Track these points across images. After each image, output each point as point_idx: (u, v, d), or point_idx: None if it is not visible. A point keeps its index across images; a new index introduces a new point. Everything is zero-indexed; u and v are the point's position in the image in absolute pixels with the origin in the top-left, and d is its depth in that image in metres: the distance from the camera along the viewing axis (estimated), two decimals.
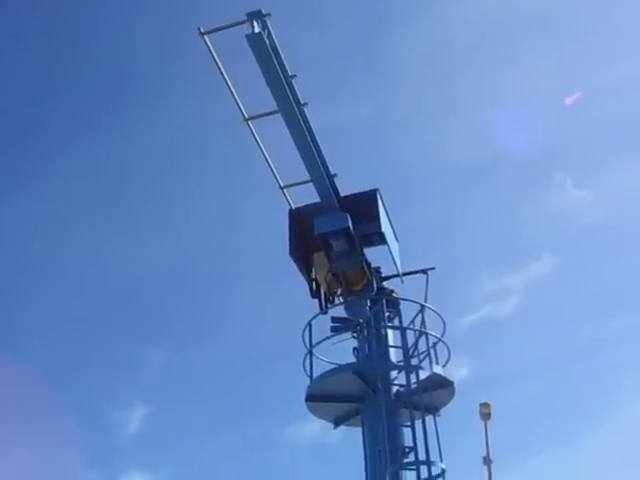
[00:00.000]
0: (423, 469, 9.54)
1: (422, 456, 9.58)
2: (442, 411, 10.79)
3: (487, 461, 19.94)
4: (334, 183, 10.94)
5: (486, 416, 19.30)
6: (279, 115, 10.00)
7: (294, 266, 11.34)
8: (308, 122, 10.27)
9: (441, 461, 9.70)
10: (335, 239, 10.43)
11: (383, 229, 10.92)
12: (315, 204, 11.09)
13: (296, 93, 9.92)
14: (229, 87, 9.91)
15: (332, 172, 10.86)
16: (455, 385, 10.77)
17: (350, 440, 11.11)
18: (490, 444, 20.23)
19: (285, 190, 11.42)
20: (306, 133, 10.17)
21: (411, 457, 9.77)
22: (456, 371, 11.40)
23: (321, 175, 10.56)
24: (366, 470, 10.28)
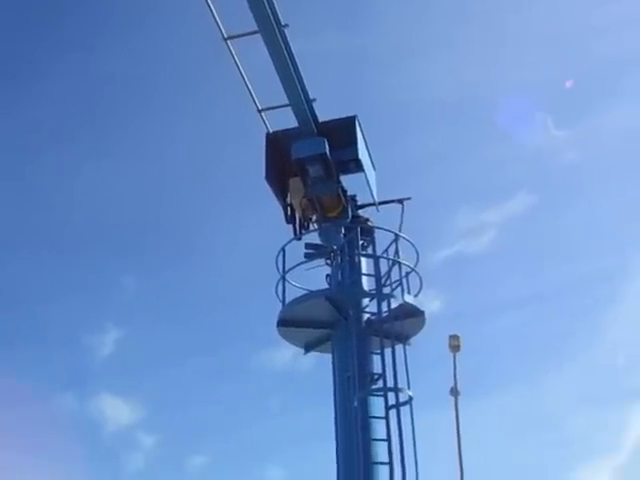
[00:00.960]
0: (391, 396, 9.65)
1: (390, 383, 9.68)
2: (412, 340, 10.87)
3: (454, 392, 20.35)
4: (312, 108, 10.76)
5: (455, 348, 19.53)
6: (259, 37, 9.77)
7: (270, 191, 11.23)
8: (288, 44, 10.02)
9: (409, 389, 9.80)
10: (311, 164, 10.32)
11: (360, 156, 10.81)
12: (293, 129, 10.93)
13: (277, 14, 9.66)
14: (208, 4, 9.63)
15: (311, 97, 10.67)
16: (426, 315, 10.83)
17: (320, 367, 11.19)
18: (458, 376, 20.61)
19: (263, 114, 11.22)
20: (286, 55, 9.95)
21: (379, 384, 9.87)
22: (428, 304, 11.45)
23: (299, 99, 10.38)
24: (335, 396, 10.38)
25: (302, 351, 11.19)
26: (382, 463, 9.43)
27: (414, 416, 9.68)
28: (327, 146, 10.31)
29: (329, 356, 10.74)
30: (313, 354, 11.27)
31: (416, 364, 10.70)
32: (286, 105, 10.57)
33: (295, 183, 10.97)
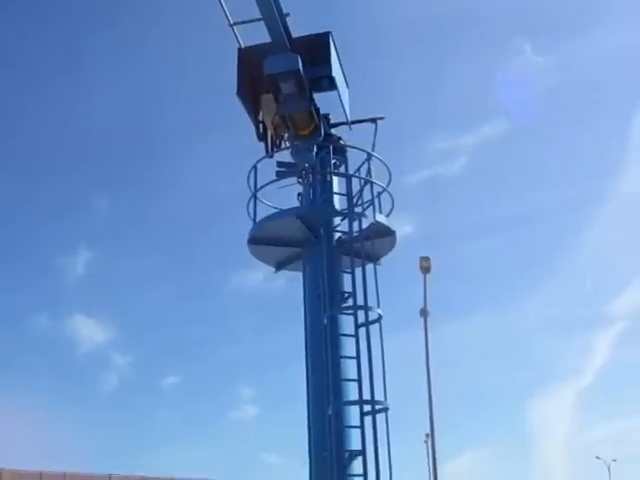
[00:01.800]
0: (360, 314, 9.75)
1: (360, 301, 9.76)
2: (382, 260, 10.94)
3: (424, 313, 20.72)
4: (286, 23, 10.46)
5: (425, 269, 19.86)
6: None
7: (242, 107, 11.03)
8: None
9: (378, 307, 9.91)
10: (284, 81, 10.11)
11: (334, 73, 10.61)
12: (266, 44, 10.65)
13: None
14: None
15: (285, 11, 10.39)
16: (397, 236, 10.88)
17: (292, 288, 11.21)
18: (429, 298, 20.93)
19: (235, 28, 10.93)
20: None
21: (349, 302, 9.95)
22: (401, 227, 11.49)
23: (273, 13, 10.10)
24: (305, 314, 10.46)
25: (273, 271, 11.22)
26: (351, 380, 9.58)
27: (383, 334, 9.84)
28: (300, 62, 10.10)
29: (301, 277, 10.77)
30: (284, 275, 11.32)
31: (387, 285, 10.81)
32: (259, 19, 10.29)
33: (267, 100, 10.78)
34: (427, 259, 18.71)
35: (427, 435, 21.21)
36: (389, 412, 9.55)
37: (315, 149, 10.68)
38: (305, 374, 10.21)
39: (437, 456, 20.48)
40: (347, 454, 9.41)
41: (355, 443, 9.38)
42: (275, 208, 10.66)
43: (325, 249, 10.11)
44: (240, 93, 10.82)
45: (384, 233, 10.58)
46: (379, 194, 10.83)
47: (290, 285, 11.70)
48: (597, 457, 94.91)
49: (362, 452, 9.18)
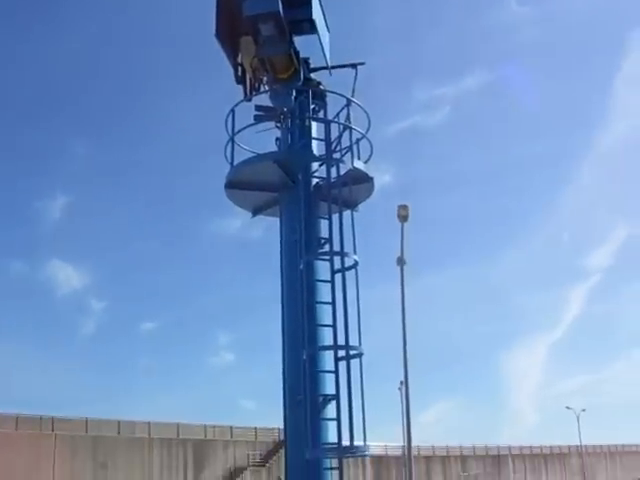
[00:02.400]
0: (336, 260, 9.76)
1: (337, 247, 9.76)
2: (360, 207, 10.91)
3: (401, 262, 20.81)
4: None
5: (403, 218, 19.89)
6: None
7: (220, 49, 10.86)
8: None
9: (355, 254, 9.90)
10: (263, 22, 9.93)
11: (314, 16, 10.43)
12: None
13: None
14: None
15: None
16: (375, 183, 10.84)
17: (269, 236, 11.15)
18: (407, 248, 21.03)
19: None
20: None
21: (326, 248, 9.94)
22: (379, 177, 11.44)
23: None
24: (282, 260, 10.46)
25: (250, 216, 11.18)
26: (326, 325, 9.63)
27: (359, 281, 9.86)
28: (280, 4, 9.92)
29: (278, 224, 10.73)
30: (262, 222, 11.29)
31: (364, 235, 10.82)
32: None
33: (246, 42, 10.60)
34: (405, 207, 18.71)
35: (401, 383, 21.41)
36: (363, 358, 9.62)
37: (294, 93, 10.56)
38: (280, 320, 10.25)
39: (411, 404, 20.73)
40: (321, 398, 9.49)
41: (329, 388, 9.46)
42: (253, 152, 10.56)
43: (302, 194, 10.06)
44: (219, 35, 10.63)
45: (362, 179, 10.54)
46: (358, 140, 10.76)
47: (268, 233, 11.68)
48: (567, 407, 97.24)
49: (336, 396, 9.26)
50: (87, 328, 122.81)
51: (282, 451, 10.30)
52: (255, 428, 60.56)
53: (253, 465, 55.86)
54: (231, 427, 59.10)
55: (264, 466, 54.94)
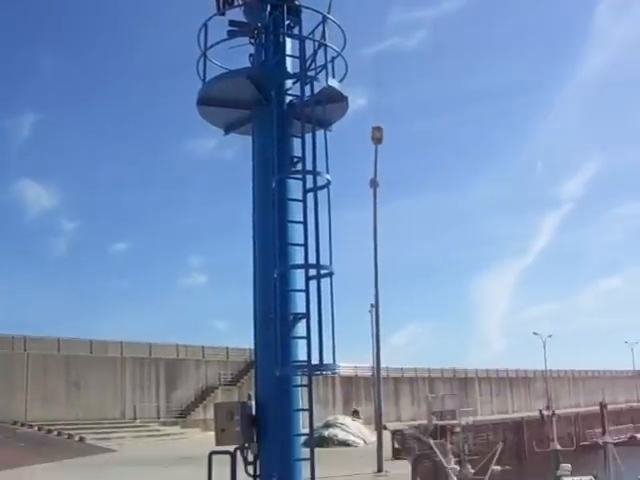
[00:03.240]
0: (309, 179, 9.71)
1: (309, 166, 9.69)
2: (334, 127, 10.78)
3: (374, 184, 20.80)
4: None
5: (377, 140, 19.78)
6: None
7: None
8: None
9: (327, 173, 9.83)
10: None
11: None
12: None
13: None
14: None
15: None
16: (349, 103, 10.71)
17: (242, 157, 10.99)
18: (381, 171, 20.95)
19: None
20: None
21: (298, 167, 9.87)
22: (355, 100, 11.28)
23: None
24: (253, 179, 10.36)
25: (223, 134, 11.04)
26: (297, 245, 9.63)
27: (331, 201, 9.83)
28: None
29: (250, 143, 10.59)
30: (235, 144, 11.14)
31: (338, 159, 10.72)
32: None
33: None
34: (379, 129, 18.56)
35: (372, 305, 21.61)
36: (334, 278, 9.66)
37: (269, 8, 10.31)
38: (252, 238, 10.22)
39: (382, 327, 20.99)
40: (291, 317, 9.55)
41: (300, 306, 9.51)
42: (226, 69, 10.36)
43: (275, 112, 9.90)
44: None
45: (336, 98, 10.39)
46: (333, 59, 10.56)
47: (241, 154, 11.55)
48: (534, 333, 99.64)
49: (306, 315, 9.33)
50: (58, 249, 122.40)
51: (253, 371, 10.40)
52: (227, 348, 61.25)
53: (224, 384, 56.66)
54: (203, 347, 59.70)
55: (235, 385, 55.74)
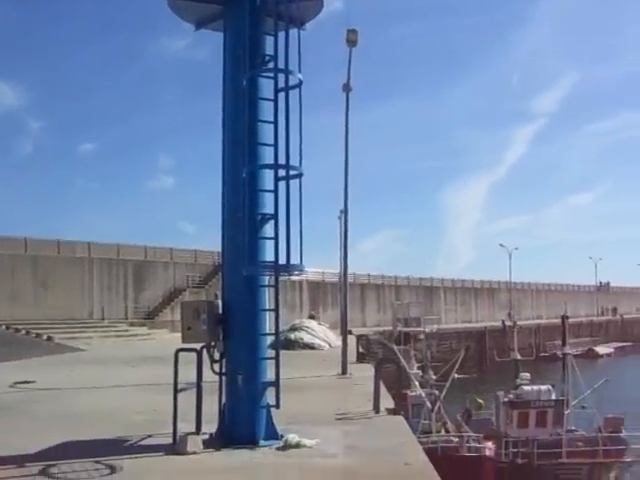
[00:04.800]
0: (280, 78, 9.54)
1: (281, 65, 9.49)
2: (309, 27, 10.51)
3: (346, 88, 20.54)
4: None
5: (352, 42, 19.42)
6: None
7: None
8: None
9: (300, 72, 9.63)
10: None
11: None
12: None
13: None
14: None
15: None
16: (324, 1, 10.44)
17: (213, 57, 10.70)
18: (352, 75, 20.67)
19: None
20: None
21: (271, 65, 9.66)
22: (330, 3, 10.95)
23: None
24: (224, 76, 10.13)
25: (193, 29, 10.73)
26: (267, 145, 9.52)
27: (302, 100, 9.65)
28: None
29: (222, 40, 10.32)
30: (206, 43, 10.87)
31: (312, 63, 10.50)
32: None
33: None
34: (354, 32, 18.17)
35: (341, 212, 21.62)
36: (304, 180, 9.60)
37: None
38: (221, 138, 10.07)
39: (351, 234, 21.06)
40: (259, 217, 9.52)
41: (268, 207, 9.48)
42: None
43: (248, 8, 9.65)
44: None
45: None
46: None
47: (212, 54, 11.26)
48: (501, 245, 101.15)
49: (274, 216, 9.31)
50: (24, 149, 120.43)
51: (221, 272, 10.42)
52: (195, 251, 61.39)
53: (192, 286, 56.99)
54: (171, 249, 59.75)
55: (203, 288, 56.07)
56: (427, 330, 37.00)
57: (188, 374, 9.90)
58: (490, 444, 28.18)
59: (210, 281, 56.92)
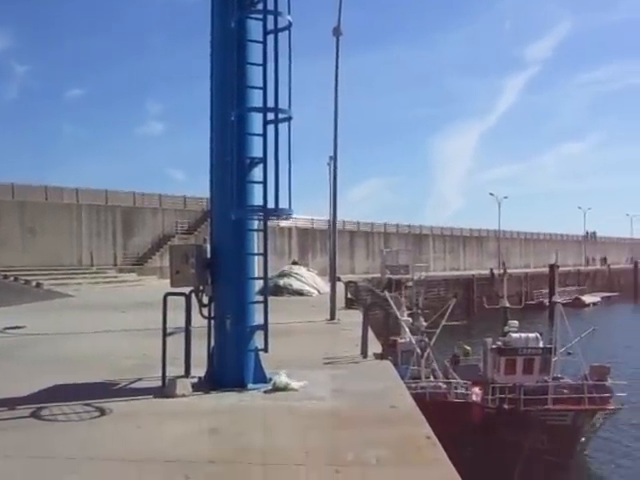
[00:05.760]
0: (270, 20, 9.40)
1: (271, 6, 9.34)
2: None
3: (337, 32, 20.30)
4: None
5: None
6: None
7: None
8: None
9: (289, 14, 9.47)
10: None
11: None
12: None
13: None
14: None
15: None
16: None
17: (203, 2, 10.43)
18: (343, 20, 20.46)
19: None
20: None
21: (259, 6, 9.49)
22: None
23: None
24: (212, 18, 9.94)
25: None
26: (256, 87, 9.39)
27: (292, 44, 9.51)
28: None
29: None
30: None
31: (308, 9, 10.31)
32: None
33: None
34: None
35: (330, 158, 21.51)
36: (292, 123, 9.50)
37: None
38: (209, 80, 9.93)
39: (341, 181, 20.98)
40: (248, 161, 9.44)
41: (257, 151, 9.39)
42: None
43: None
44: None
45: None
46: None
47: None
48: (490, 193, 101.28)
49: (263, 159, 9.24)
50: (9, 93, 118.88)
51: (209, 218, 10.37)
52: (184, 197, 61.14)
53: (181, 233, 56.91)
54: (160, 195, 59.48)
55: (192, 234, 55.98)
56: (415, 277, 37.21)
57: (177, 319, 9.92)
58: (477, 390, 28.54)
59: (199, 227, 56.83)
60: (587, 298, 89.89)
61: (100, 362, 12.45)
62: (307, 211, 64.78)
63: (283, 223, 63.58)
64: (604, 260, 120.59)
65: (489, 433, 25.26)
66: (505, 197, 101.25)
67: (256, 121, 9.41)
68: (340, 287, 24.11)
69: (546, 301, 67.53)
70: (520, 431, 24.92)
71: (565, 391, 26.50)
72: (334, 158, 20.68)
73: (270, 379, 9.67)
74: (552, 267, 37.66)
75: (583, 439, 25.77)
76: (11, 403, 8.92)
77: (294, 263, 39.91)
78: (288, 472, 6.31)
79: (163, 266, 47.51)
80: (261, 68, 9.29)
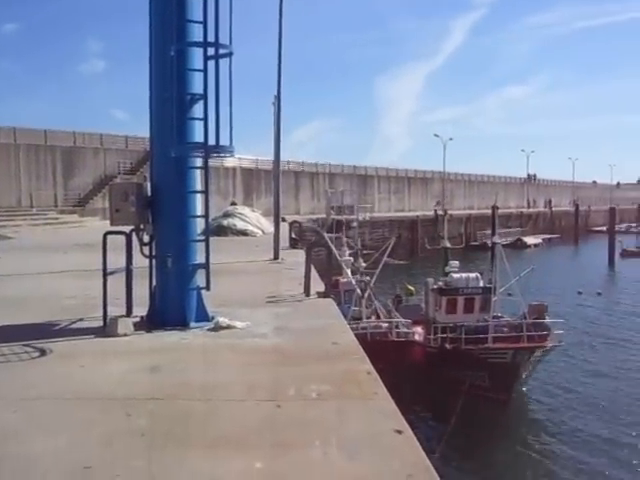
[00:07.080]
0: None
1: None
2: None
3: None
4: None
5: None
6: None
7: None
8: None
9: None
10: None
11: None
12: None
13: None
14: None
15: None
16: None
17: None
18: None
19: None
20: None
21: None
22: None
23: None
24: None
25: None
26: (197, 22, 9.20)
27: None
28: None
29: None
30: None
31: None
32: None
33: None
34: None
35: (275, 97, 21.26)
36: (234, 59, 9.33)
37: None
38: (148, 12, 9.65)
39: (285, 123, 20.80)
40: (188, 97, 9.28)
41: (197, 87, 9.23)
42: None
43: None
44: None
45: None
46: None
47: None
48: (436, 135, 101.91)
49: (203, 96, 9.08)
50: None
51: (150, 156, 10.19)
52: (126, 137, 60.14)
53: (124, 173, 56.08)
54: (101, 135, 58.37)
55: (135, 174, 55.18)
56: (360, 218, 37.36)
57: (119, 259, 9.81)
58: (419, 329, 29.02)
59: (142, 167, 56.03)
60: (529, 239, 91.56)
61: (41, 303, 12.29)
62: (251, 151, 64.37)
63: (227, 163, 63.10)
64: (549, 202, 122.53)
65: (430, 371, 25.80)
66: (450, 139, 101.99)
67: (197, 57, 9.22)
68: (284, 227, 24.11)
69: (489, 242, 68.49)
70: (461, 369, 25.49)
71: (505, 329, 27.09)
72: (277, 97, 20.45)
73: (213, 317, 9.67)
74: (493, 208, 38.11)
75: (523, 376, 26.45)
76: None
77: (233, 204, 39.68)
78: (229, 407, 6.34)
79: (105, 207, 46.68)
80: (202, 1, 9.06)
